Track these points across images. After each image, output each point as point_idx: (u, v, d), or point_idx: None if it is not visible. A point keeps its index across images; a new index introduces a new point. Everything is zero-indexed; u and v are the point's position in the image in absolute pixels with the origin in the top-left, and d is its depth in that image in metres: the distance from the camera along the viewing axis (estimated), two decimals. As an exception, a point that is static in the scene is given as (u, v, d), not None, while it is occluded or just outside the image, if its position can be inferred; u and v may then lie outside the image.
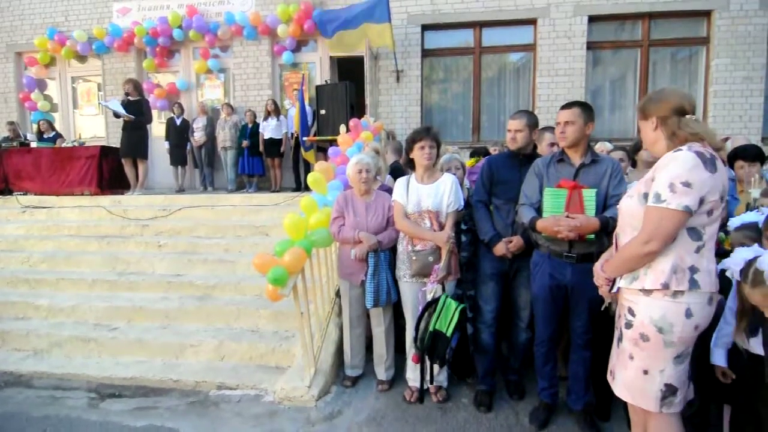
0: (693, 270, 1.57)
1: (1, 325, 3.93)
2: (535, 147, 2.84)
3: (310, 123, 7.15)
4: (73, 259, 4.81)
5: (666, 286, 1.57)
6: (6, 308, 4.18)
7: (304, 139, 6.40)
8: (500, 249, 2.68)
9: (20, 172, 6.64)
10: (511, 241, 2.67)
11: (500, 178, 2.77)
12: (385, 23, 6.18)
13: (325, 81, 6.41)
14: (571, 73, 7.47)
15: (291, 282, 2.70)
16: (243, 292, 4.08)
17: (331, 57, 8.18)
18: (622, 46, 7.60)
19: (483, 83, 7.95)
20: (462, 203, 2.79)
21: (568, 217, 2.23)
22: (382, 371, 3.08)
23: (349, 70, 8.34)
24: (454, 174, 2.99)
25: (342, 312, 3.32)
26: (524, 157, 2.74)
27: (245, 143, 7.48)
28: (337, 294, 3.58)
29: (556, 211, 2.30)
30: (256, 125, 7.62)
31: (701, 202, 1.52)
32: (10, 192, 6.68)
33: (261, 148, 7.53)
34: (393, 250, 2.99)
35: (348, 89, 5.81)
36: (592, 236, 2.26)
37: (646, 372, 1.65)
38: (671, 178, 1.52)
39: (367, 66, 7.46)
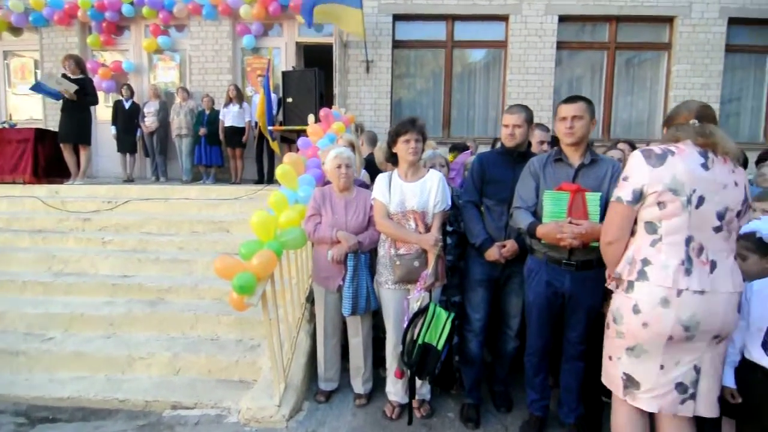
0: (645, 262, 1.66)
1: None
2: (530, 144, 2.66)
3: (275, 112, 6.74)
4: (1, 256, 4.20)
5: (619, 276, 1.73)
6: None
7: (270, 128, 5.99)
8: (492, 254, 2.48)
9: (-63, 156, 5.81)
10: (504, 246, 2.48)
11: (492, 176, 2.57)
12: (356, 9, 5.85)
13: (293, 67, 5.99)
14: (541, 72, 7.47)
15: (260, 290, 2.39)
16: (201, 296, 3.69)
17: (297, 43, 7.78)
18: (590, 48, 7.67)
19: (454, 78, 7.80)
20: (450, 203, 2.57)
21: (571, 222, 2.07)
22: (359, 384, 2.83)
23: (317, 58, 7.95)
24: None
25: (315, 319, 3.04)
26: (519, 155, 2.55)
27: (202, 131, 6.95)
28: (308, 299, 3.29)
29: (557, 216, 2.13)
30: (214, 112, 7.11)
31: (639, 194, 1.65)
32: (-75, 178, 5.84)
33: (221, 136, 7.03)
34: (373, 254, 2.74)
35: (317, 77, 5.43)
36: (596, 243, 2.10)
37: (610, 358, 1.83)
38: (621, 176, 1.74)
39: (336, 54, 7.12)
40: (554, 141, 2.86)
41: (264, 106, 6.45)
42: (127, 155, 7.38)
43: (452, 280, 2.78)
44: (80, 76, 5.75)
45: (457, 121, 7.89)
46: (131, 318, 3.44)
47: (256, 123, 7.05)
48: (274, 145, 6.54)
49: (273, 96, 6.73)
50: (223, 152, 7.25)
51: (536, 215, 2.28)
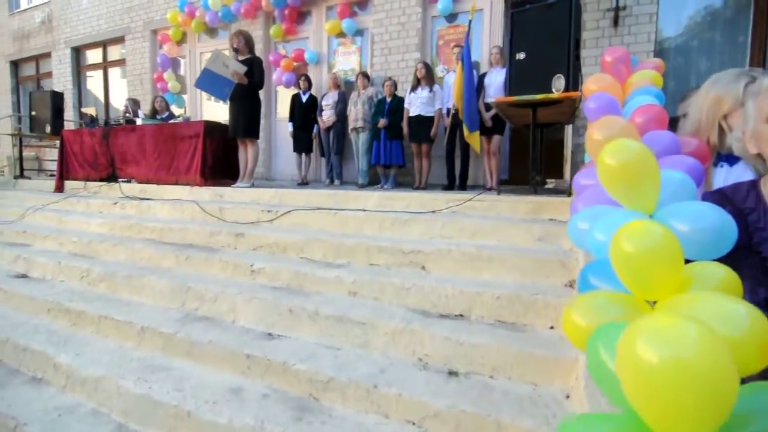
0: None
1: (6, 393, 2.39)
2: None
3: (477, 91, 4.81)
4: (135, 281, 3.19)
5: None
6: (25, 358, 2.67)
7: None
8: None
9: (125, 154, 5.55)
10: None
11: None
12: None
13: (528, 4, 3.76)
14: None
15: None
16: (383, 410, 1.88)
17: (506, 0, 5.72)
18: None
19: (775, 18, 4.68)
20: None
21: None
22: None
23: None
24: None
25: None
26: None
27: (382, 122, 5.43)
28: None
29: None
30: (396, 99, 5.55)
31: None
32: (116, 179, 5.66)
33: (405, 129, 5.44)
34: None
35: (574, 11, 3.18)
36: None
37: None
38: None
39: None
40: None
41: (462, 83, 4.61)
42: (303, 155, 6.37)
43: None
44: (248, 56, 4.76)
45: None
46: (261, 440, 1.82)
47: (449, 110, 5.27)
48: (472, 138, 4.60)
49: (474, 72, 4.83)
50: (405, 149, 5.66)
51: None
